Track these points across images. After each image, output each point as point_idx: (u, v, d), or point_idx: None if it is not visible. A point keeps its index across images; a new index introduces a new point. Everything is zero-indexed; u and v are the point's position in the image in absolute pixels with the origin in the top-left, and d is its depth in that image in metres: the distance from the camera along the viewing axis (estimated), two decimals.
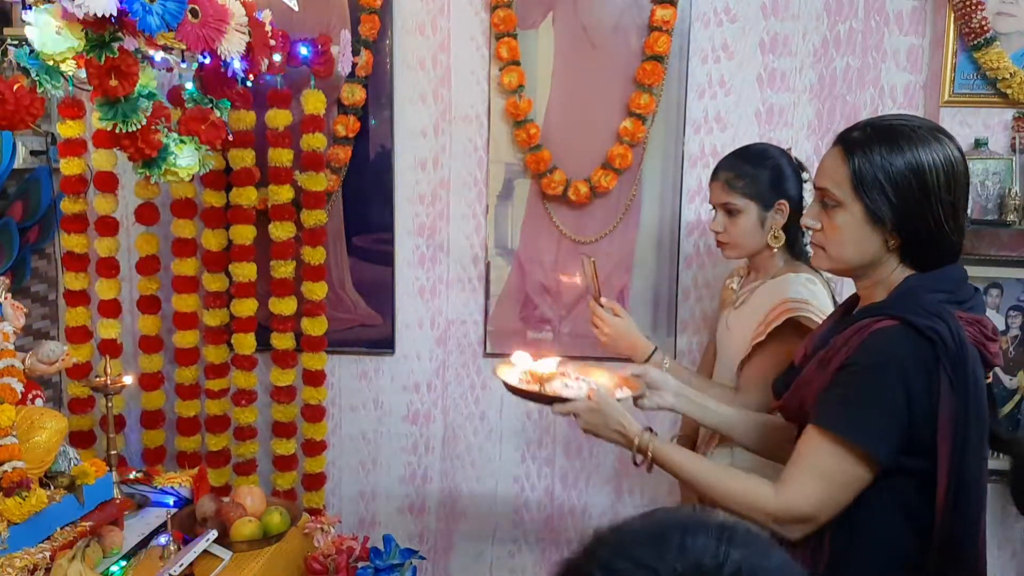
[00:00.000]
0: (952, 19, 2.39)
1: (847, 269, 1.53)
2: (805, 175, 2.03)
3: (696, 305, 2.65)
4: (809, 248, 1.68)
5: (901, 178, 1.41)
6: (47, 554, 1.60)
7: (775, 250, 2.02)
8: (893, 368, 1.38)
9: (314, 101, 2.47)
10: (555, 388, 1.75)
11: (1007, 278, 2.42)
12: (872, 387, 1.39)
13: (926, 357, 1.37)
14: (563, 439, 2.76)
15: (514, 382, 1.77)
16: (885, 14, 2.48)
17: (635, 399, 1.76)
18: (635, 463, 1.62)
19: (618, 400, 1.68)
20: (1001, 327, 2.43)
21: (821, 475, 1.42)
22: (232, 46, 1.55)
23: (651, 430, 1.62)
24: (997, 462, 2.34)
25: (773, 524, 1.44)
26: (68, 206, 2.47)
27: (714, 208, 2.07)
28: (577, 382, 1.78)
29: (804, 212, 1.57)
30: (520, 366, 1.82)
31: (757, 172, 1.99)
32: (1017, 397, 2.46)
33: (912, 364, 1.37)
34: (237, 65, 1.64)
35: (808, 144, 2.54)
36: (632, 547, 0.71)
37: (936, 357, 1.36)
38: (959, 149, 1.44)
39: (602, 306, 2.07)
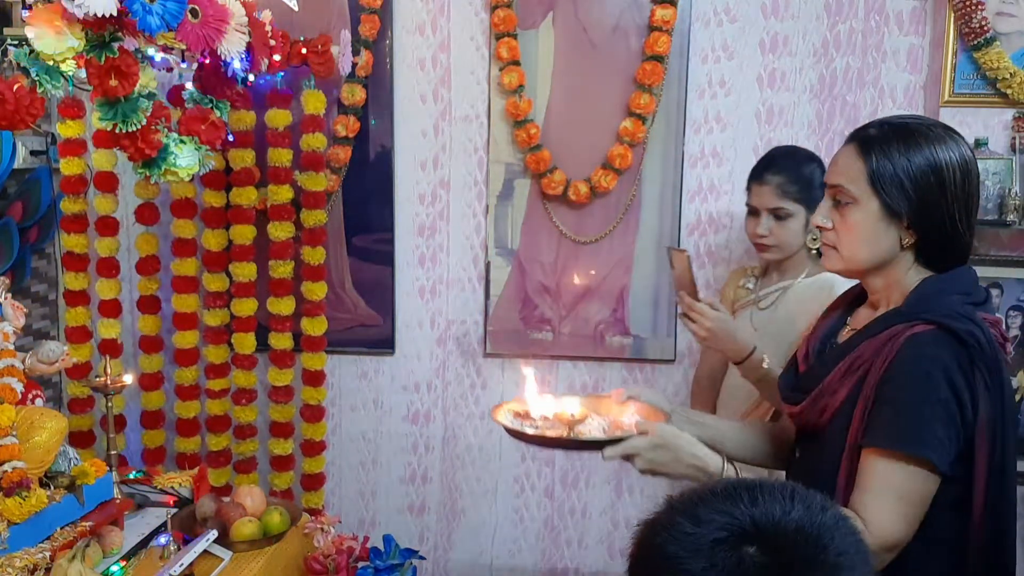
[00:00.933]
0: (952, 19, 2.38)
1: (859, 269, 1.50)
2: None
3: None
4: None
5: (920, 174, 1.40)
6: (47, 554, 1.60)
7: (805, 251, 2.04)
8: (939, 374, 1.35)
9: (314, 101, 2.47)
10: (584, 430, 1.57)
11: (1007, 278, 2.42)
12: (923, 397, 1.36)
13: (963, 362, 1.35)
14: None
15: (533, 432, 1.58)
16: (885, 14, 2.48)
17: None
18: None
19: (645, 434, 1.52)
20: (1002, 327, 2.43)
21: (900, 498, 1.37)
22: (232, 46, 1.55)
23: (730, 460, 1.51)
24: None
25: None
26: (68, 206, 2.47)
27: (753, 209, 2.07)
28: (592, 419, 1.62)
29: (814, 212, 1.55)
30: (530, 401, 1.64)
31: (811, 177, 2.02)
32: (1017, 397, 2.46)
33: (955, 369, 1.35)
34: (237, 65, 1.64)
35: (808, 144, 2.53)
36: (710, 498, 0.83)
37: (972, 361, 1.35)
38: (970, 148, 1.45)
39: (699, 300, 1.90)
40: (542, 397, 1.66)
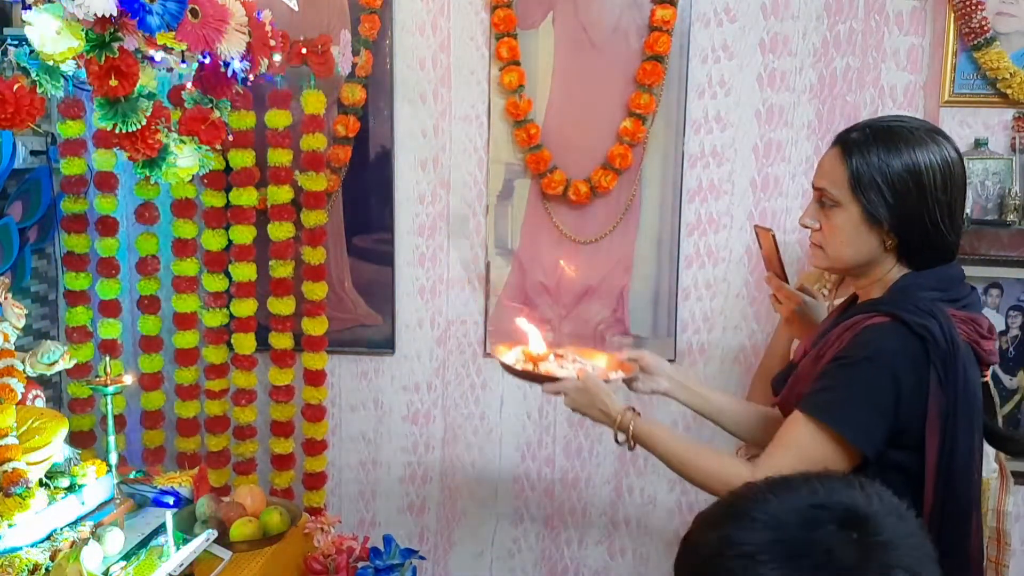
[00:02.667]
0: (952, 19, 2.39)
1: (845, 268, 1.55)
2: None
3: (696, 305, 2.64)
4: None
5: (898, 179, 1.42)
6: (47, 554, 1.60)
7: None
8: (882, 363, 1.39)
9: (314, 101, 2.47)
10: (549, 369, 1.81)
11: (1007, 278, 2.42)
12: (859, 380, 1.41)
13: (916, 354, 1.38)
14: (563, 440, 2.76)
15: (511, 362, 1.82)
16: (885, 14, 2.48)
17: (628, 382, 1.79)
18: (616, 440, 1.65)
19: (608, 381, 1.73)
20: (1001, 327, 2.43)
21: (798, 455, 1.43)
22: (232, 46, 1.55)
23: (634, 410, 1.66)
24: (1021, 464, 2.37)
25: None
26: (68, 206, 2.47)
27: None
28: (573, 364, 1.83)
29: (803, 212, 1.58)
30: (524, 334, 1.88)
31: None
32: (1017, 397, 2.46)
33: (902, 360, 1.38)
34: (237, 65, 1.64)
35: (808, 144, 2.54)
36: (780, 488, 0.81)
37: (926, 353, 1.38)
38: (956, 150, 1.46)
39: (786, 281, 1.93)
40: (542, 340, 1.90)
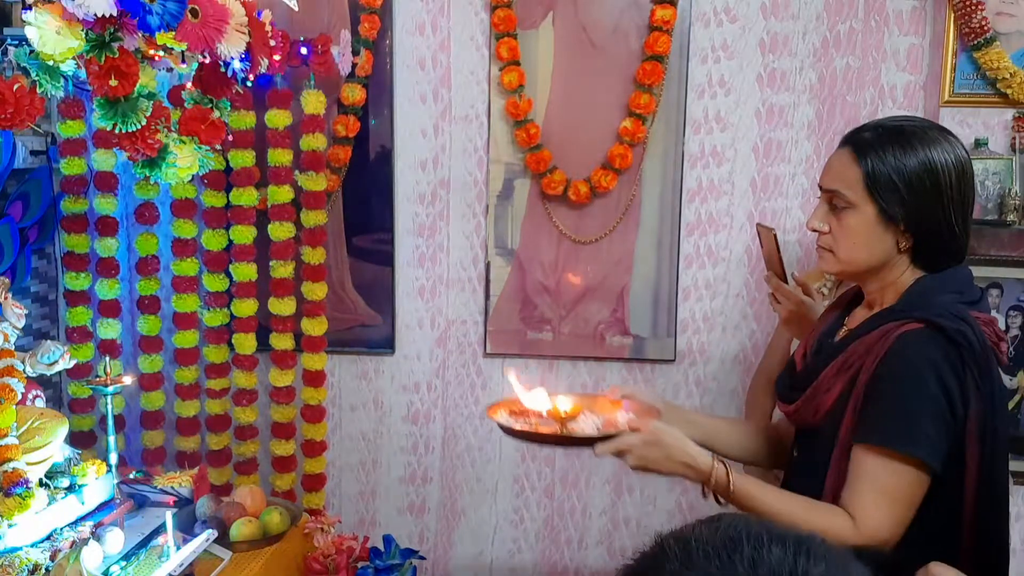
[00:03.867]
0: (952, 19, 2.38)
1: (857, 271, 1.51)
2: None
3: (696, 305, 2.64)
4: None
5: (915, 178, 1.41)
6: (47, 554, 1.60)
7: None
8: (929, 372, 1.36)
9: (314, 101, 2.47)
10: (577, 427, 1.59)
11: (1007, 278, 2.42)
12: (910, 395, 1.37)
13: (954, 360, 1.36)
14: None
15: (531, 428, 1.60)
16: (885, 14, 2.48)
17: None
18: (704, 496, 1.50)
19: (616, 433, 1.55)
20: (1001, 327, 2.43)
21: (889, 495, 1.37)
22: (232, 46, 1.55)
23: (722, 460, 1.50)
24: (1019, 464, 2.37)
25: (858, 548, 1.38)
26: (68, 206, 2.47)
27: None
28: (586, 417, 1.64)
29: (811, 215, 1.55)
30: (527, 400, 1.65)
31: None
32: (1017, 397, 2.46)
33: (944, 367, 1.36)
34: (237, 65, 1.64)
35: (808, 144, 2.54)
36: (702, 560, 0.67)
37: (962, 360, 1.36)
38: (965, 149, 1.45)
39: (785, 281, 1.86)
40: (534, 394, 1.65)
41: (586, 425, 1.60)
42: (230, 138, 2.40)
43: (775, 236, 1.83)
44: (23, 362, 1.77)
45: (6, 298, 1.77)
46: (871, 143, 1.45)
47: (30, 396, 1.81)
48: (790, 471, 1.67)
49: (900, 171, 1.41)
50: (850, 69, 2.51)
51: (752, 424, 1.83)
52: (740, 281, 2.62)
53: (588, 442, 1.54)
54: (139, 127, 1.48)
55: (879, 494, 1.37)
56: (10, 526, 1.58)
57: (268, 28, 1.80)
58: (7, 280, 1.81)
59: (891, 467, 1.37)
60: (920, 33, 2.48)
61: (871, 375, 1.41)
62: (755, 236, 1.91)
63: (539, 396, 1.65)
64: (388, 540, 2.14)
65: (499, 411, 1.66)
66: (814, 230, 1.53)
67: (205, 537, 1.86)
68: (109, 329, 2.56)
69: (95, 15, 1.31)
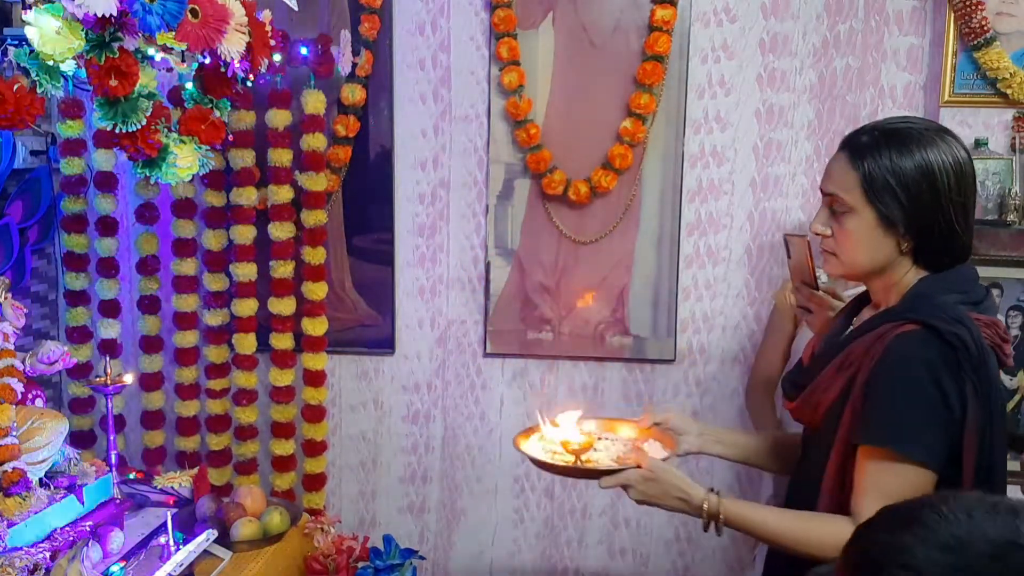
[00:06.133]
0: (952, 19, 2.38)
1: (860, 274, 1.51)
2: None
3: (696, 305, 2.64)
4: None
5: (912, 181, 1.40)
6: (47, 554, 1.60)
7: None
8: (925, 374, 1.36)
9: (314, 101, 2.47)
10: (592, 458, 1.67)
11: (1007, 278, 2.42)
12: (910, 396, 1.37)
13: (950, 362, 1.35)
14: None
15: (545, 457, 1.68)
16: (885, 14, 2.48)
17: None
18: (704, 529, 1.53)
19: (662, 460, 1.60)
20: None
21: (892, 498, 1.34)
22: (232, 46, 1.55)
23: (714, 490, 1.54)
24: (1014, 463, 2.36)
25: None
26: (68, 206, 2.47)
27: None
28: (603, 442, 1.72)
29: (814, 218, 1.55)
30: (549, 431, 1.74)
31: None
32: (1017, 397, 2.46)
33: (940, 369, 1.36)
34: (237, 65, 1.63)
35: (808, 144, 2.54)
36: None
37: (958, 362, 1.35)
38: (965, 149, 1.44)
39: (817, 290, 1.83)
40: (562, 419, 1.76)
41: (599, 455, 1.69)
42: (230, 138, 2.40)
43: (808, 244, 1.79)
44: (23, 362, 1.77)
45: (6, 298, 1.77)
46: (868, 147, 1.44)
47: (30, 396, 1.81)
48: (796, 472, 1.67)
49: (897, 174, 1.41)
50: (850, 69, 2.51)
51: (782, 435, 1.83)
52: (740, 281, 2.62)
53: (597, 474, 1.61)
54: (139, 127, 1.48)
55: (881, 495, 1.35)
56: (10, 526, 1.58)
57: (268, 28, 1.79)
58: (7, 280, 1.81)
59: (892, 468, 1.37)
60: (920, 33, 2.48)
61: (868, 376, 1.41)
62: (784, 246, 1.87)
63: (567, 422, 1.75)
64: (388, 540, 2.14)
65: (530, 442, 1.75)
66: (817, 234, 1.53)
67: (205, 537, 1.86)
68: (109, 329, 2.56)
69: (95, 15, 1.31)
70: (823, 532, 1.42)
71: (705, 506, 1.51)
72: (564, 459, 1.67)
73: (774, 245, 2.58)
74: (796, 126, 2.55)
